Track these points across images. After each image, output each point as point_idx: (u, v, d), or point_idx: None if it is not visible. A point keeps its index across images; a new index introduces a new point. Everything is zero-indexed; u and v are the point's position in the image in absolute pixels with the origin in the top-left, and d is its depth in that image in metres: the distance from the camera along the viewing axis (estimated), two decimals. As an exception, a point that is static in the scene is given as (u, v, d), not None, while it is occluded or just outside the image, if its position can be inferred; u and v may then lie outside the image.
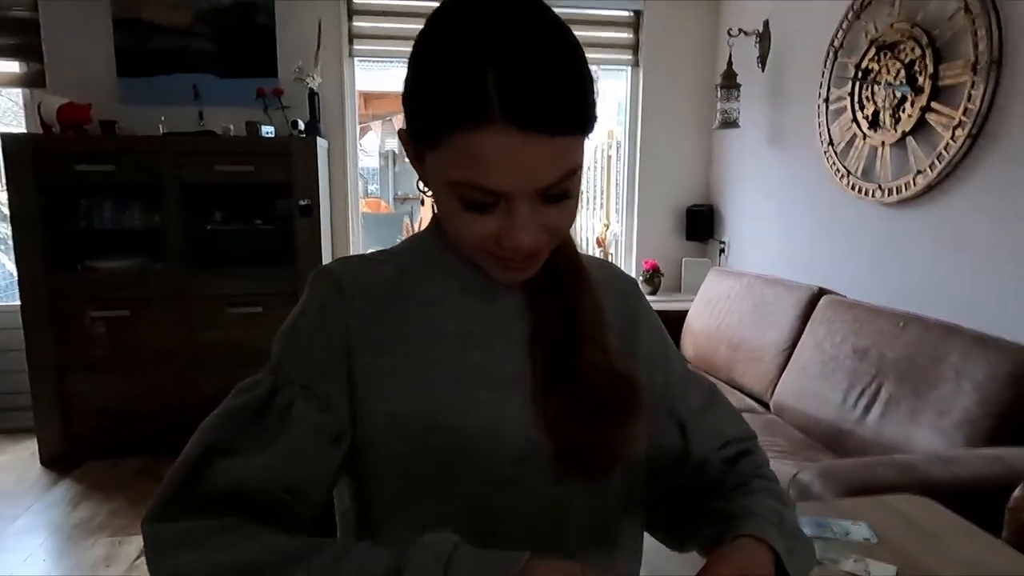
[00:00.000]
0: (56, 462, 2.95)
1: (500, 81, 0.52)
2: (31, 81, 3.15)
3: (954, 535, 1.06)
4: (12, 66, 3.15)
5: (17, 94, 3.35)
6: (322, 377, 0.63)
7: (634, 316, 0.76)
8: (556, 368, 0.66)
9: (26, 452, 3.07)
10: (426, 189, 0.65)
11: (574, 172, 0.58)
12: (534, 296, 0.69)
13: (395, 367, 0.64)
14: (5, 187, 2.86)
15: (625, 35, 3.57)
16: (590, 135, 0.59)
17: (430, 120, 0.56)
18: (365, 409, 0.64)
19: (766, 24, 3.05)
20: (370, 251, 0.74)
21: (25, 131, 3.18)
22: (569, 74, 0.54)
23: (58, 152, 2.84)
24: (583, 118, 0.56)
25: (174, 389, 2.99)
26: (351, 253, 3.49)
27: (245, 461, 0.57)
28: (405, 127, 0.62)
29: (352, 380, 0.64)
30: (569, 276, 0.69)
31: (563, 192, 0.58)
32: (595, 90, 0.58)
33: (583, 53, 0.57)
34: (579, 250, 0.74)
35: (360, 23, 3.37)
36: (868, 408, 2.02)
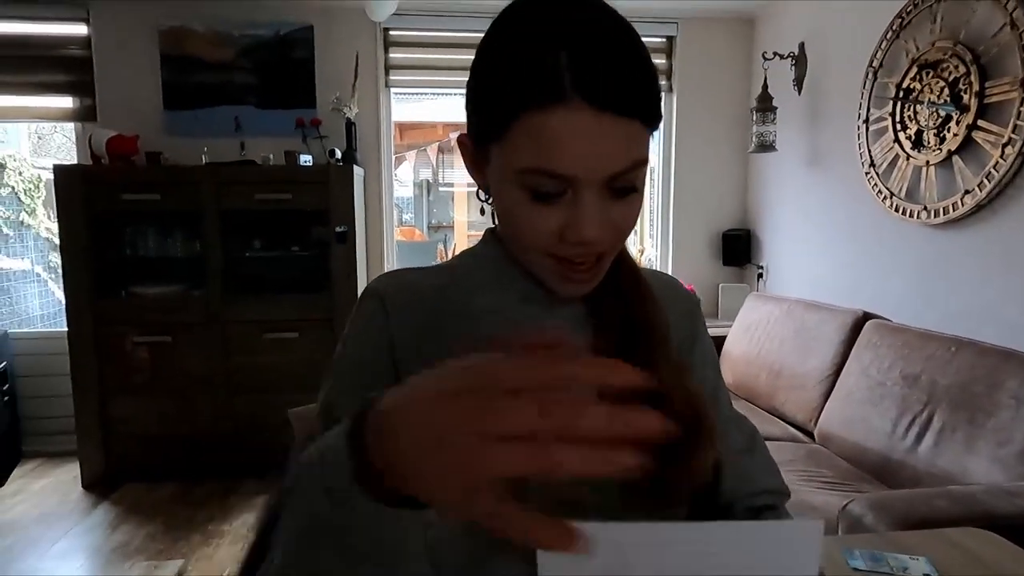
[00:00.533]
0: (97, 485, 3.00)
1: (573, 61, 0.52)
2: (83, 115, 3.29)
3: (1021, 572, 1.00)
4: (66, 101, 3.29)
5: (71, 130, 3.49)
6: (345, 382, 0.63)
7: (692, 336, 0.73)
8: None
9: (68, 475, 3.13)
10: (486, 198, 0.64)
11: (642, 164, 0.56)
12: (595, 306, 0.67)
13: None
14: (56, 217, 2.96)
15: (658, 61, 3.57)
16: (654, 132, 0.58)
17: (500, 105, 0.55)
18: None
19: (801, 46, 3.02)
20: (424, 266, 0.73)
21: (76, 163, 3.30)
22: (640, 61, 0.55)
23: (106, 182, 2.95)
24: (653, 106, 0.56)
25: (211, 413, 3.03)
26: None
27: None
28: (466, 131, 0.62)
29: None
30: (630, 286, 0.67)
31: (630, 185, 0.57)
32: (660, 86, 0.57)
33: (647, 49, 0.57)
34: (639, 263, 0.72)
35: (396, 54, 3.44)
36: (920, 437, 1.92)
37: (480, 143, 0.60)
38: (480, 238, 0.73)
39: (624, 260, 0.68)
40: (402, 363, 0.63)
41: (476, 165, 0.63)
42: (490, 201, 0.64)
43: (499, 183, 0.60)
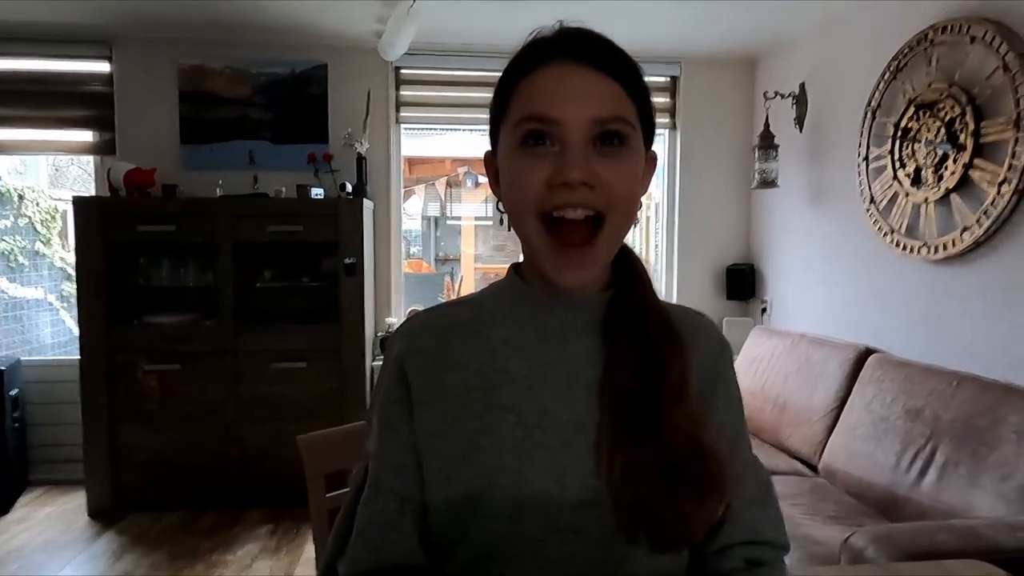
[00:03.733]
0: (102, 514, 3.01)
1: (559, 36, 0.65)
2: (102, 149, 3.38)
3: (1021, 603, 1.00)
4: (86, 135, 3.39)
5: (88, 162, 3.59)
6: (399, 456, 0.69)
7: (716, 380, 0.73)
8: (629, 421, 0.64)
9: (74, 504, 3.13)
10: (503, 208, 0.70)
11: (625, 120, 0.63)
12: (609, 340, 0.68)
13: (460, 410, 0.67)
14: (73, 248, 3.02)
15: (662, 99, 3.65)
16: (640, 107, 0.66)
17: (503, 87, 0.67)
18: (429, 452, 0.67)
19: (802, 87, 3.09)
20: (453, 298, 0.80)
21: (95, 195, 3.38)
22: (620, 49, 0.66)
23: (123, 214, 3.02)
24: (632, 75, 0.65)
25: (218, 442, 3.05)
26: (392, 311, 3.56)
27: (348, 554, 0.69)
28: (489, 148, 0.72)
29: (416, 431, 0.68)
30: (650, 324, 0.68)
31: (615, 134, 0.63)
32: (644, 76, 0.66)
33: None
34: (662, 299, 0.73)
35: (406, 92, 3.54)
36: (923, 471, 1.93)
37: (493, 140, 0.69)
38: (494, 273, 0.78)
39: (648, 297, 0.70)
40: (416, 406, 0.68)
41: (495, 176, 0.70)
42: (503, 209, 0.70)
43: (504, 160, 0.67)
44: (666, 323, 0.69)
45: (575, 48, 0.63)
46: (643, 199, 0.70)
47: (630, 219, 0.66)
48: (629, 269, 0.72)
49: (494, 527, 0.64)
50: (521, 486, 0.64)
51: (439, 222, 8.40)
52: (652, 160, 0.71)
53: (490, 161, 0.72)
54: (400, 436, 0.68)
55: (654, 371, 0.66)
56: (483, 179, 6.89)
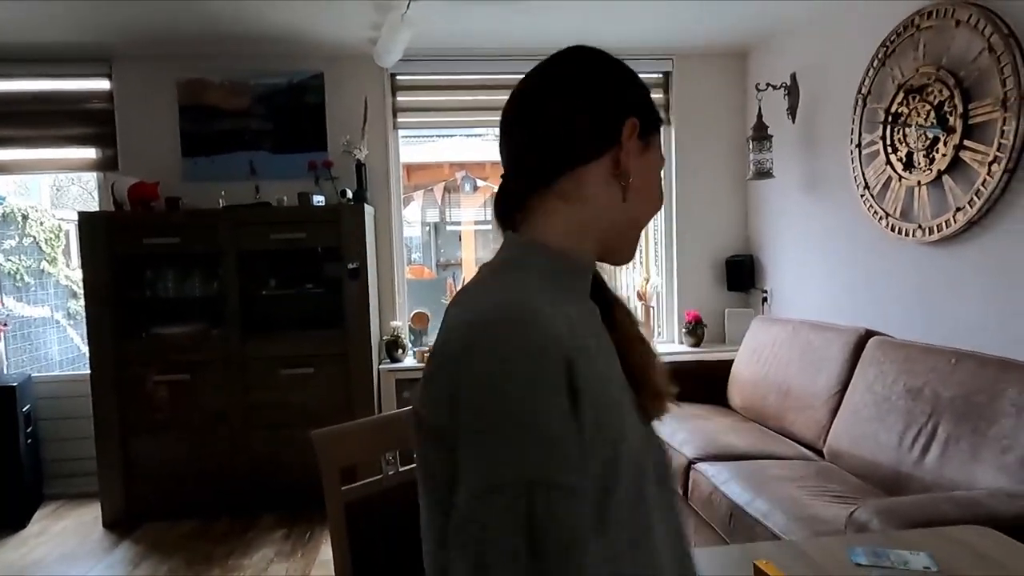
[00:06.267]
0: (117, 525, 3.04)
1: None
2: (105, 165, 3.43)
3: (1019, 563, 1.04)
4: (89, 152, 3.44)
5: (87, 181, 3.63)
6: (569, 459, 0.57)
7: None
8: (630, 369, 0.72)
9: (89, 516, 3.17)
10: (630, 192, 0.73)
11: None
12: (601, 305, 0.75)
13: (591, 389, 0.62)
14: (78, 265, 3.06)
15: (656, 96, 3.69)
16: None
17: (648, 112, 0.75)
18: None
19: (793, 77, 3.13)
20: (510, 291, 0.66)
21: (100, 210, 3.43)
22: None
23: (128, 227, 3.07)
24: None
25: (229, 450, 3.08)
26: (397, 314, 3.59)
27: None
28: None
29: (581, 422, 0.59)
30: (606, 286, 0.77)
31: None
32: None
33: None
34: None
35: (403, 97, 3.58)
36: (926, 448, 1.96)
37: (615, 130, 0.74)
38: (512, 253, 0.72)
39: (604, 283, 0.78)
40: (585, 401, 0.59)
41: (630, 153, 0.76)
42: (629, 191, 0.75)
43: (648, 168, 0.76)
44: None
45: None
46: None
47: None
48: None
49: (626, 494, 0.63)
50: (631, 449, 0.65)
51: (439, 228, 8.45)
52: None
53: (632, 135, 0.70)
54: (579, 444, 0.59)
55: (623, 330, 0.75)
56: (481, 183, 6.94)
